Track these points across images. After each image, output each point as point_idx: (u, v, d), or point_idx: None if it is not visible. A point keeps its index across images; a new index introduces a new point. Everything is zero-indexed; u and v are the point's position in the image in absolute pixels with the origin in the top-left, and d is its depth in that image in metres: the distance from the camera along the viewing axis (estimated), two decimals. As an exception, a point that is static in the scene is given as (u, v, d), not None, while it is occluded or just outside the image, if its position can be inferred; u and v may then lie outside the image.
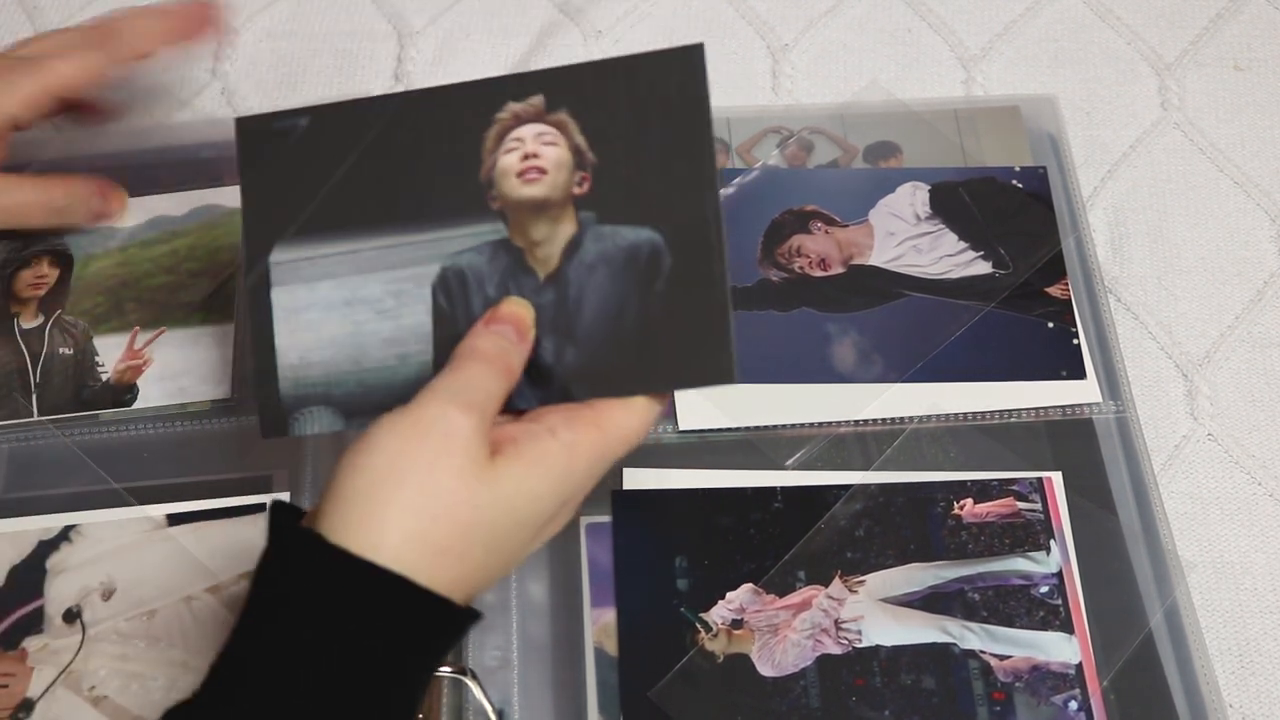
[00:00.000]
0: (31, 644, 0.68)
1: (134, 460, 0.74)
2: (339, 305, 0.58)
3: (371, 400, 0.58)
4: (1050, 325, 0.77)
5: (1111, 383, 0.76)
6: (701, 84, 0.56)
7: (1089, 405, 0.75)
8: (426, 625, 0.51)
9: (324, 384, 0.58)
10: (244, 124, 0.61)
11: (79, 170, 0.79)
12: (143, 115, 0.87)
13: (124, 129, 0.86)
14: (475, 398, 0.53)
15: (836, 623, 0.68)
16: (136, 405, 0.75)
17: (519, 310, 0.57)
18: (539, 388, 0.57)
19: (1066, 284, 0.78)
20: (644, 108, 0.57)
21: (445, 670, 0.64)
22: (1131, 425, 0.75)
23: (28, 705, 0.66)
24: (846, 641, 0.68)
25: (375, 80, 0.89)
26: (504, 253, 0.58)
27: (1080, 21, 0.92)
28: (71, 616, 0.69)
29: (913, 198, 0.81)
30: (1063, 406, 0.75)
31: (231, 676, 0.50)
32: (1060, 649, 0.67)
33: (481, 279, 0.58)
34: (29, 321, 0.78)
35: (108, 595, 0.69)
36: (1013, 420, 0.74)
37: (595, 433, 0.55)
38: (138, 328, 0.77)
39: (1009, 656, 0.67)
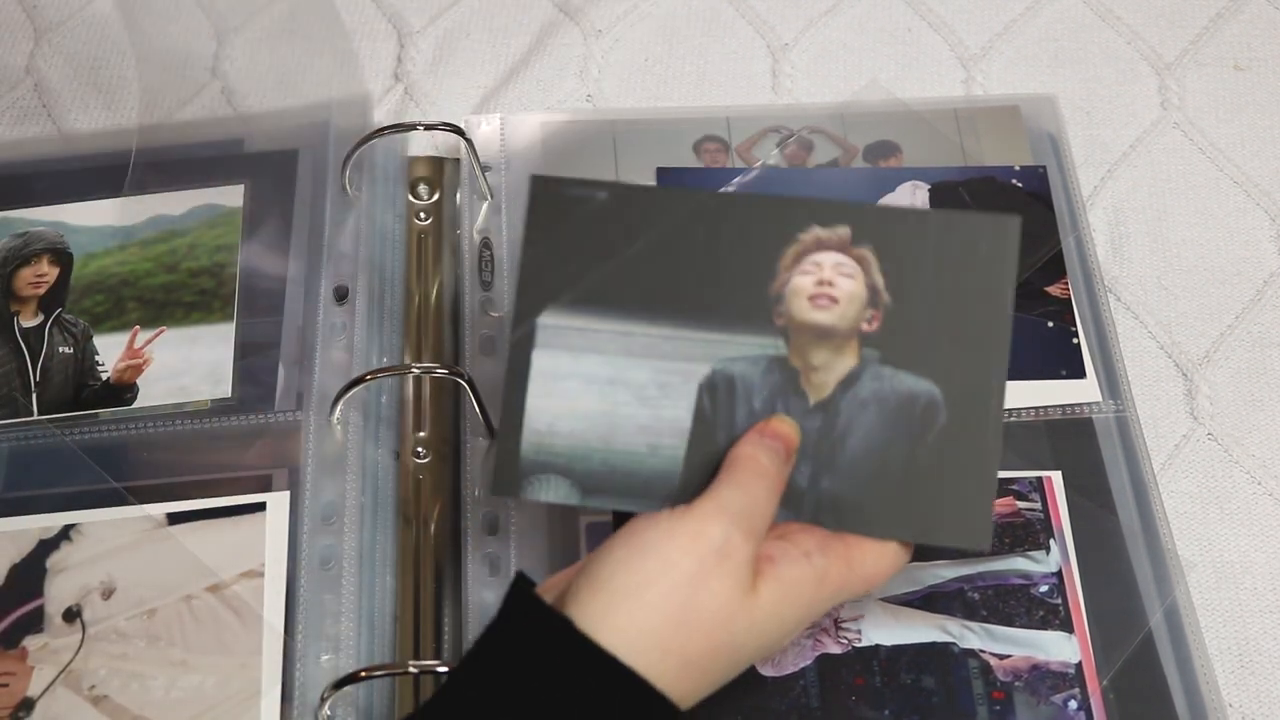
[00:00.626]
0: (32, 643, 0.68)
1: (134, 460, 0.74)
2: (600, 382, 0.58)
3: (613, 482, 0.57)
4: (1050, 325, 0.77)
5: (1111, 382, 0.76)
6: (1012, 253, 0.57)
7: (1089, 405, 0.75)
8: None
9: (567, 456, 0.58)
10: (540, 183, 0.59)
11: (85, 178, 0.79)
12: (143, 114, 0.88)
13: (124, 128, 0.86)
14: (755, 524, 0.53)
15: (836, 622, 0.68)
16: (136, 405, 0.75)
17: (789, 430, 0.57)
18: (785, 508, 0.57)
19: (1066, 283, 0.78)
20: (949, 263, 0.57)
21: (444, 670, 0.64)
22: (1131, 425, 0.75)
23: (28, 704, 0.66)
24: (846, 641, 0.68)
25: (375, 79, 0.90)
26: (778, 370, 0.58)
27: (1080, 21, 0.92)
28: (71, 615, 0.69)
29: (912, 197, 0.81)
30: (1062, 406, 0.75)
31: None
32: (1060, 648, 0.67)
33: (750, 390, 0.58)
34: (29, 320, 0.78)
35: (108, 594, 0.69)
36: (1012, 419, 0.74)
37: (844, 566, 0.55)
38: (138, 327, 0.77)
39: (1008, 656, 0.67)
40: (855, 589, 0.56)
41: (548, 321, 0.58)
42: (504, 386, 0.58)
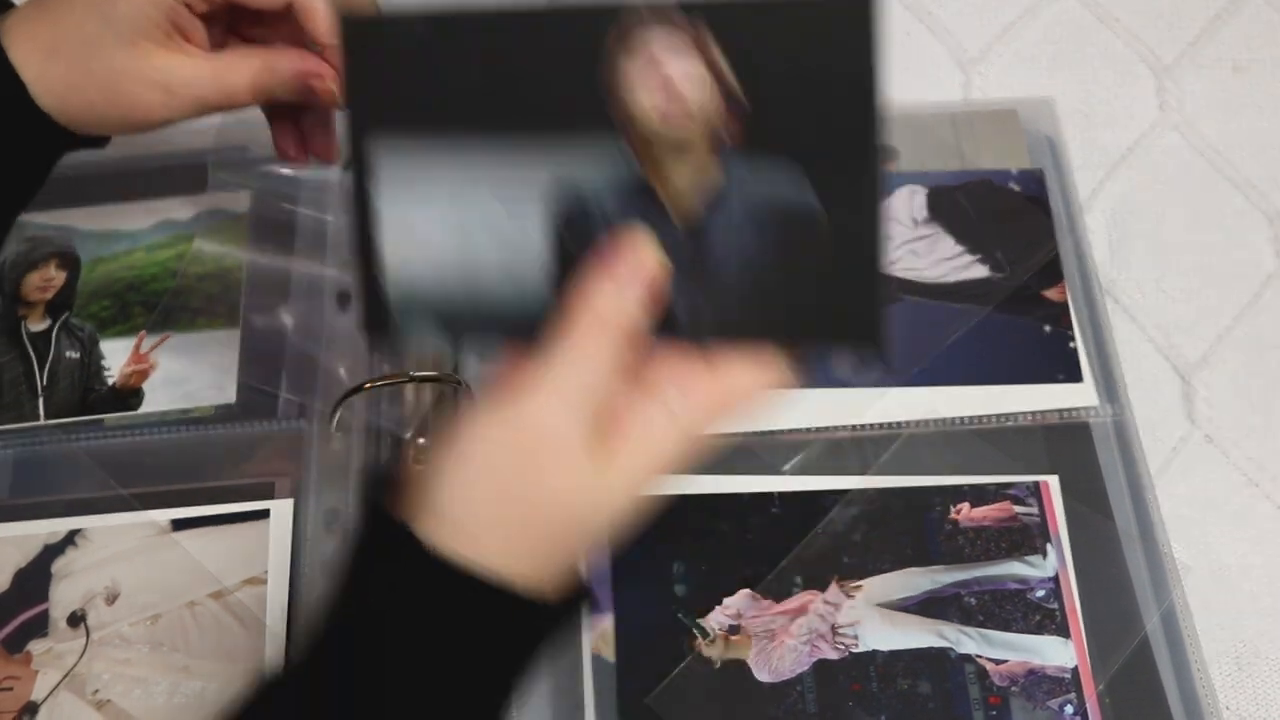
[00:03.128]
0: (36, 647, 0.68)
1: (139, 465, 0.74)
2: (452, 222, 0.55)
3: (482, 322, 0.55)
4: (1047, 328, 0.77)
5: (1108, 386, 0.76)
6: (872, 34, 0.50)
7: (1086, 409, 0.75)
8: (525, 625, 0.50)
9: (433, 299, 0.55)
10: (350, 25, 0.56)
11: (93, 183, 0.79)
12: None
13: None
14: (597, 394, 0.50)
15: (833, 628, 0.68)
16: (142, 410, 0.75)
17: (645, 259, 0.52)
18: (662, 334, 0.53)
19: (1064, 287, 0.78)
20: (807, 58, 0.51)
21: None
22: (1128, 428, 0.75)
23: (32, 708, 0.67)
24: (843, 646, 0.68)
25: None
26: (637, 195, 0.53)
27: (1078, 23, 0.92)
28: (76, 620, 0.69)
29: (910, 201, 0.82)
30: (1059, 410, 0.75)
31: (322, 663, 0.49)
32: (1056, 653, 0.68)
33: (607, 216, 0.53)
34: (36, 324, 0.78)
35: (112, 600, 0.70)
36: (1009, 424, 0.75)
37: (713, 391, 0.51)
38: (144, 332, 0.78)
39: (1005, 661, 0.68)
40: (732, 406, 0.51)
41: (386, 161, 0.55)
42: (352, 235, 0.56)
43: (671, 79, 0.51)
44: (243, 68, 0.64)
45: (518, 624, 0.50)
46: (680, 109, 0.51)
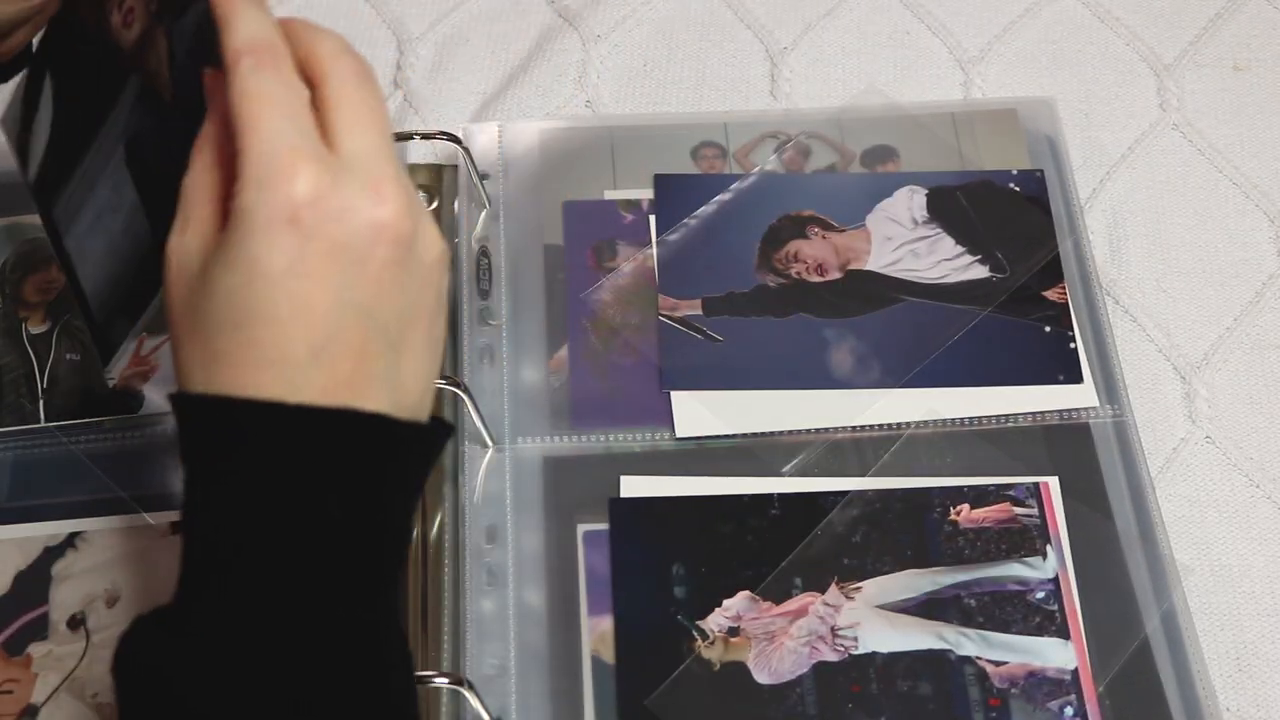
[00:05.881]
0: (36, 650, 0.68)
1: (139, 467, 0.74)
2: (115, 219, 0.61)
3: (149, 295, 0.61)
4: (1047, 329, 0.77)
5: (1109, 386, 0.76)
6: None
7: (1086, 409, 0.75)
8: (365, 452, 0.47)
9: (121, 298, 0.62)
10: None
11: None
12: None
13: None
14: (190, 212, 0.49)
15: (833, 629, 0.68)
16: (142, 412, 0.75)
17: (255, 30, 0.49)
18: None
19: (1064, 287, 0.78)
20: None
21: (442, 680, 0.65)
22: (1129, 429, 0.75)
23: (32, 711, 0.67)
24: (843, 648, 0.68)
25: (376, 86, 0.90)
26: (139, 99, 0.59)
27: (1078, 23, 0.92)
28: (76, 623, 0.69)
29: (910, 202, 0.82)
30: (1060, 411, 0.75)
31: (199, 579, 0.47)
32: (1056, 654, 0.68)
33: (144, 131, 0.59)
34: (37, 327, 0.78)
35: (112, 602, 0.70)
36: (1009, 425, 0.75)
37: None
38: (144, 334, 0.78)
39: (1005, 662, 0.68)
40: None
41: (62, 218, 0.61)
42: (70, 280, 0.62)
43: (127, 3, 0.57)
44: None
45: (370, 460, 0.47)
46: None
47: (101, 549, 0.71)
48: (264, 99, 0.47)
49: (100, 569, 0.71)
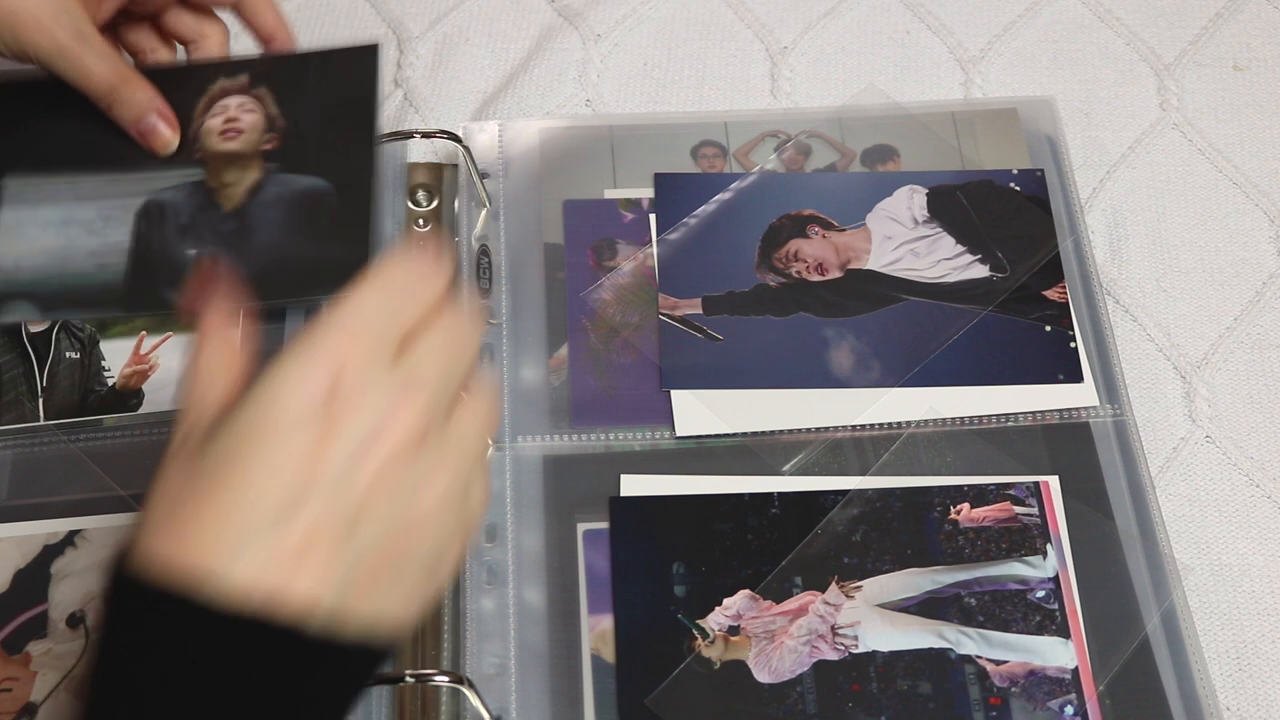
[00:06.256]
0: (35, 648, 0.68)
1: (139, 466, 0.74)
2: (56, 224, 0.70)
3: (68, 298, 0.69)
4: (1048, 328, 0.77)
5: (1109, 386, 0.76)
6: (372, 74, 0.73)
7: (1086, 409, 0.75)
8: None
9: (30, 285, 0.69)
10: None
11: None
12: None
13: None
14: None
15: (833, 628, 0.68)
16: (142, 411, 0.75)
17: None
18: None
19: (1064, 287, 0.78)
20: (330, 89, 0.73)
21: (442, 679, 0.65)
22: (1129, 428, 0.75)
23: (30, 709, 0.67)
24: (843, 647, 0.68)
25: (376, 85, 0.90)
26: (199, 192, 0.71)
27: (1079, 22, 0.92)
28: (75, 621, 0.69)
29: (910, 201, 0.82)
30: (1060, 410, 0.75)
31: None
32: (1056, 654, 0.68)
33: (177, 210, 0.70)
34: (36, 325, 0.78)
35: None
36: (1010, 424, 0.75)
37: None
38: (144, 333, 0.78)
39: (1005, 661, 0.68)
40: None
41: (11, 184, 0.71)
42: None
43: (229, 108, 0.73)
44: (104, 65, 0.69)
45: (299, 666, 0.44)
46: (234, 129, 0.72)
47: (101, 547, 0.71)
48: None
49: (99, 567, 0.71)
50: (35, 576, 0.70)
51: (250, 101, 0.73)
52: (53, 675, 0.68)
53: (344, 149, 0.71)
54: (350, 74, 0.73)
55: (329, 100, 0.73)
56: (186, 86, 0.73)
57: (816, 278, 0.79)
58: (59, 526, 0.72)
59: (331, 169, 0.71)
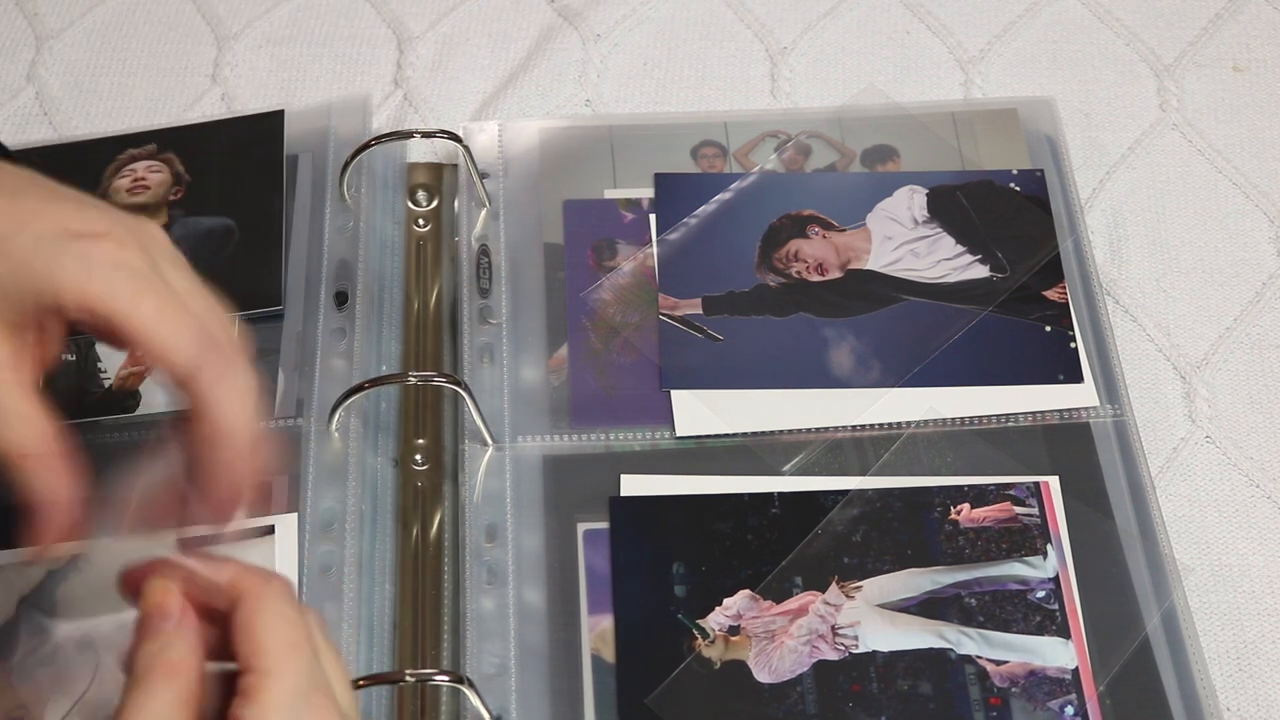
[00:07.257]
0: (44, 675, 0.68)
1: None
2: None
3: None
4: (1048, 329, 0.77)
5: (1109, 386, 0.76)
6: (278, 134, 0.83)
7: (1086, 409, 0.75)
8: None
9: None
10: None
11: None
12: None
13: (125, 134, 0.86)
14: None
15: (833, 628, 0.68)
16: (139, 412, 0.75)
17: (162, 599, 0.52)
18: None
19: (1064, 287, 0.78)
20: (237, 147, 0.83)
21: (442, 679, 0.65)
22: (1129, 428, 0.75)
23: (41, 737, 0.66)
24: (843, 647, 0.68)
25: (375, 85, 0.90)
26: None
27: (1079, 23, 0.92)
28: (84, 646, 0.69)
29: (910, 201, 0.82)
30: (1060, 410, 0.75)
31: None
32: (1057, 654, 0.68)
33: None
34: (33, 327, 0.78)
35: (120, 624, 0.69)
36: (1010, 425, 0.75)
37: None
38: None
39: (1005, 662, 0.67)
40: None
41: None
42: None
43: (136, 170, 0.82)
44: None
45: None
46: (140, 186, 0.81)
47: (105, 569, 0.70)
48: None
49: (105, 591, 0.70)
50: (41, 603, 0.70)
51: (157, 164, 0.82)
52: (64, 701, 0.67)
53: (253, 195, 0.80)
54: (259, 135, 0.83)
55: (238, 158, 0.82)
56: (97, 158, 0.82)
57: (816, 278, 0.79)
58: (62, 550, 0.71)
59: (238, 210, 0.79)
